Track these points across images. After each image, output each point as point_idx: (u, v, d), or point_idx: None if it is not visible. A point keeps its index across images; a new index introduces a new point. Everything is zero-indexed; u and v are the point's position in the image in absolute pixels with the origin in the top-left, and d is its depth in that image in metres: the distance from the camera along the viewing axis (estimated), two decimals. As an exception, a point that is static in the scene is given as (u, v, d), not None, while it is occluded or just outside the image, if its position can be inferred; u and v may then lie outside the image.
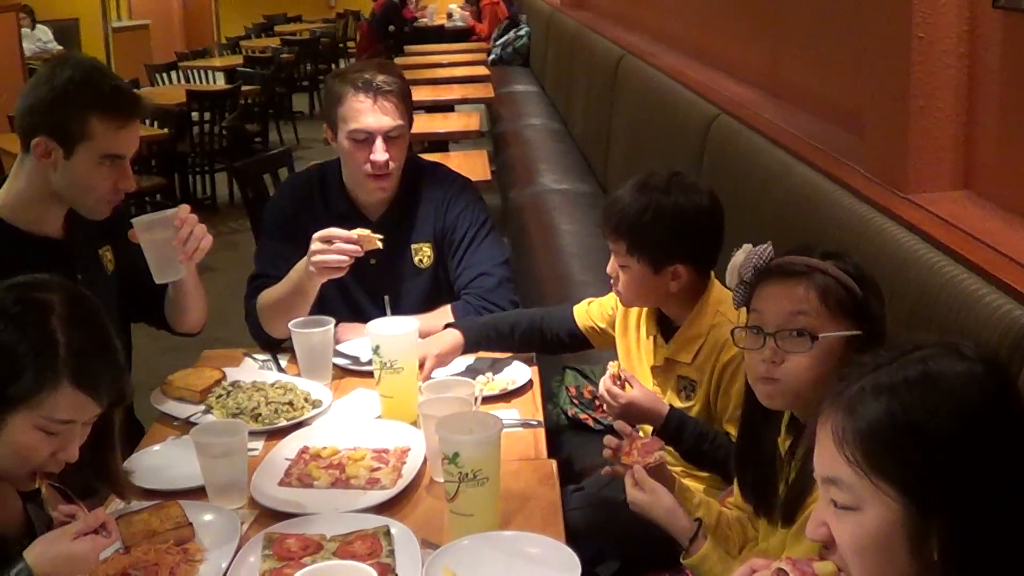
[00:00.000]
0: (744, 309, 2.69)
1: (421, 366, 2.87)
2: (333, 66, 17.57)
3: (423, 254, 3.38)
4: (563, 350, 3.20)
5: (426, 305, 3.22)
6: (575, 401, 3.55)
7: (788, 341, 2.03)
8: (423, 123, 7.27)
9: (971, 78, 2.83)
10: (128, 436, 3.09)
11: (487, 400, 2.81)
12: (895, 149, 2.95)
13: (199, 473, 2.43)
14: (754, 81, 4.85)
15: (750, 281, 2.15)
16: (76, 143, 2.73)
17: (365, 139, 3.20)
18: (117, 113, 2.75)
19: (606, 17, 9.17)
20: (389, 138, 3.21)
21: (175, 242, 2.80)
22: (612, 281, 2.85)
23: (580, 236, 5.60)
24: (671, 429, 2.64)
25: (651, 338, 2.89)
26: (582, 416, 3.51)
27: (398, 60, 11.33)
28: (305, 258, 3.01)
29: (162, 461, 2.59)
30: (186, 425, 2.76)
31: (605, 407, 2.72)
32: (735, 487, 2.41)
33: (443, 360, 2.97)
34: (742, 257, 2.18)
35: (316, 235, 2.97)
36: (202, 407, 2.84)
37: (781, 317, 2.05)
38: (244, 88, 10.22)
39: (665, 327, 2.86)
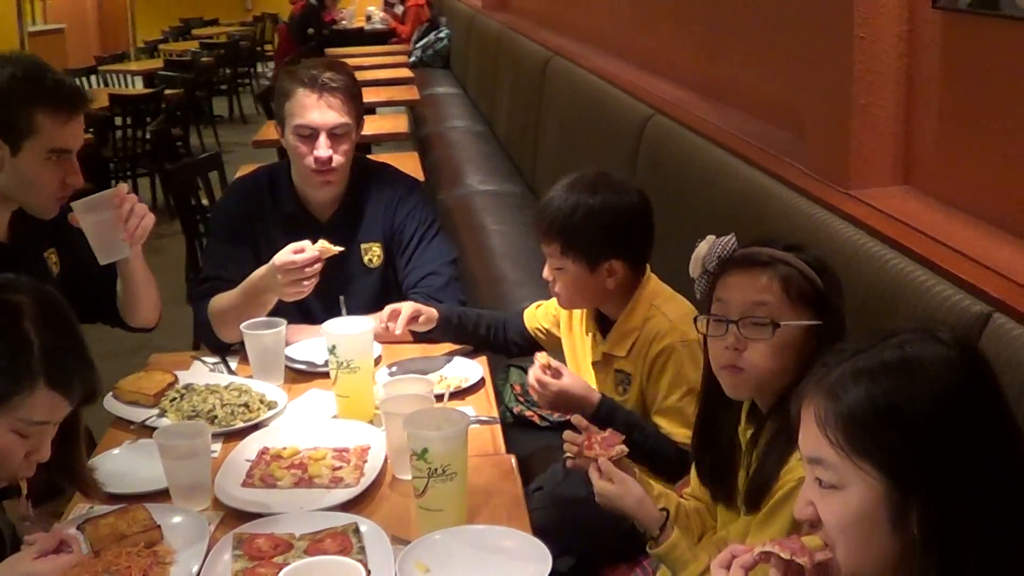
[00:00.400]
0: (679, 302, 2.76)
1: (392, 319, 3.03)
2: (251, 70, 17.51)
3: (373, 253, 3.40)
4: (518, 352, 3.25)
5: (376, 304, 3.23)
6: (520, 399, 3.58)
7: (750, 328, 2.08)
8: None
9: (910, 77, 2.91)
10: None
11: (440, 399, 2.83)
12: (837, 146, 3.02)
13: (161, 476, 2.42)
14: (687, 82, 4.91)
15: (714, 271, 2.20)
16: (23, 140, 2.72)
17: (310, 135, 3.22)
18: (62, 107, 2.75)
19: (531, 19, 9.20)
20: (334, 135, 3.22)
21: (117, 221, 2.80)
22: (550, 285, 2.89)
23: (510, 236, 5.65)
24: (601, 417, 2.67)
25: (590, 335, 2.95)
26: (528, 413, 3.55)
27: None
28: (264, 269, 3.01)
29: (122, 465, 2.56)
30: (142, 429, 2.75)
31: (536, 397, 2.76)
32: (692, 476, 2.46)
33: (416, 317, 3.08)
34: (706, 247, 2.23)
35: (280, 263, 2.95)
36: (156, 411, 2.82)
37: (744, 305, 2.10)
38: (166, 92, 10.12)
39: (604, 324, 2.91)
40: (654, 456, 2.70)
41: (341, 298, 3.04)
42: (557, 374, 2.70)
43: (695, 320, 2.21)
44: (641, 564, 2.76)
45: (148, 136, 9.34)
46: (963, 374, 1.44)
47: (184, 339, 4.95)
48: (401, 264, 3.40)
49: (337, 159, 3.22)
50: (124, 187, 2.84)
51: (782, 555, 1.49)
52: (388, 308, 3.06)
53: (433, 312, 3.10)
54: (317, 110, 3.20)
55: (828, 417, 1.46)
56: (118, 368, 3.05)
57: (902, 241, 2.51)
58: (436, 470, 2.16)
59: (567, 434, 2.33)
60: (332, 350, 2.74)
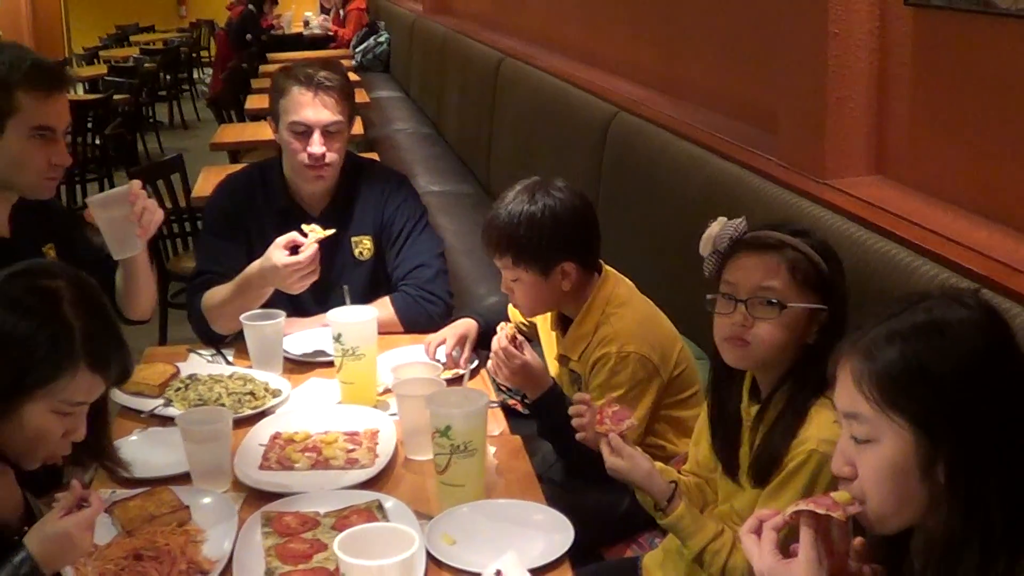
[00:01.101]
0: (631, 309, 2.84)
1: (439, 344, 3.09)
2: (190, 75, 17.44)
3: (363, 247, 3.48)
4: None
5: (367, 297, 3.31)
6: (503, 388, 3.67)
7: (758, 308, 2.19)
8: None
9: (882, 71, 3.05)
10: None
11: (461, 380, 2.92)
12: (812, 138, 3.15)
13: (178, 461, 2.51)
14: (647, 82, 5.02)
15: (724, 251, 2.31)
16: (5, 119, 2.78)
17: (304, 132, 3.29)
18: (41, 84, 2.80)
19: (478, 22, 9.28)
20: (327, 132, 3.30)
21: (131, 217, 2.85)
22: (510, 297, 2.99)
23: (467, 235, 5.68)
24: (548, 401, 2.79)
25: (555, 332, 3.05)
26: (511, 402, 3.62)
27: (263, 68, 11.30)
28: (259, 266, 3.09)
29: (139, 451, 2.62)
30: (151, 418, 2.82)
31: (494, 365, 2.81)
32: (690, 453, 2.57)
33: (465, 340, 3.13)
34: (718, 228, 2.33)
35: (283, 264, 3.03)
36: (161, 400, 2.88)
37: (753, 287, 2.21)
38: (116, 97, 10.12)
39: (565, 323, 3.00)
40: (582, 452, 2.67)
41: (345, 287, 3.12)
42: (521, 348, 2.78)
43: (706, 298, 2.31)
44: (637, 541, 2.87)
45: (98, 141, 9.33)
46: (987, 334, 1.57)
47: (150, 338, 5.01)
48: (391, 256, 3.48)
49: (330, 156, 3.30)
50: (137, 184, 2.89)
51: (817, 511, 1.61)
52: (434, 342, 3.12)
53: (472, 325, 3.18)
54: (312, 108, 3.28)
55: (864, 375, 1.58)
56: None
57: (884, 225, 2.65)
58: (458, 446, 2.26)
59: (573, 409, 2.42)
60: (338, 338, 2.82)
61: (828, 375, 1.67)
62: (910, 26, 2.93)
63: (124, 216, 2.84)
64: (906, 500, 1.57)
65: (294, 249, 3.06)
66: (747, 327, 2.20)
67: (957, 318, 1.57)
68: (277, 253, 3.04)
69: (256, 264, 3.12)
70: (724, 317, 2.24)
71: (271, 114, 3.42)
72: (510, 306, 3.21)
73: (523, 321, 3.23)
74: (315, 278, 3.09)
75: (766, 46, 3.65)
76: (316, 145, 3.28)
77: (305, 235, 3.07)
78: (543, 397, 2.79)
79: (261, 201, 3.38)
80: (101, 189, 9.57)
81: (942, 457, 1.53)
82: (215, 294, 3.25)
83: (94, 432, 2.21)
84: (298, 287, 3.08)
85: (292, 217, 3.33)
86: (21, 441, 2.06)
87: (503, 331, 2.79)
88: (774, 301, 2.18)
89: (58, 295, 2.06)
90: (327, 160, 3.29)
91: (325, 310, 3.04)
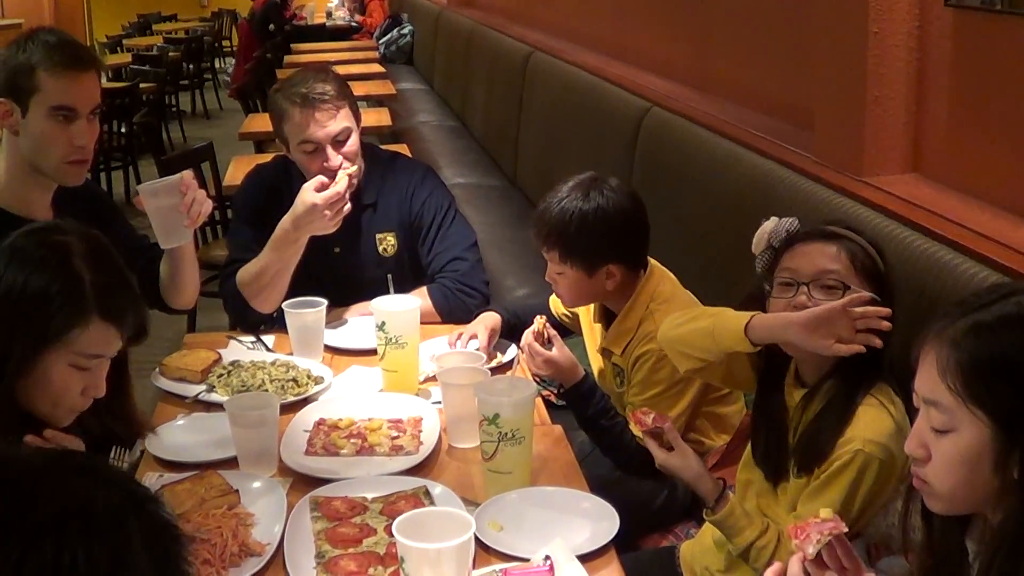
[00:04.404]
0: (677, 304, 2.87)
1: (471, 338, 3.12)
2: (212, 65, 17.51)
3: (387, 243, 3.51)
4: None
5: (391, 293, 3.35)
6: (536, 379, 3.70)
7: (820, 291, 2.23)
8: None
9: (921, 70, 3.07)
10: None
11: (509, 366, 3.02)
12: (850, 136, 3.17)
13: (224, 446, 2.55)
14: (680, 77, 5.04)
15: (779, 247, 2.34)
16: (28, 98, 2.83)
17: (315, 149, 3.32)
18: (62, 64, 2.83)
19: (505, 16, 9.31)
20: (338, 141, 3.33)
21: (181, 207, 2.88)
22: (553, 287, 3.04)
23: (494, 227, 5.73)
24: (580, 392, 2.84)
25: (599, 325, 3.09)
26: (544, 393, 3.67)
27: (288, 59, 11.34)
28: (290, 213, 3.18)
29: (183, 436, 2.67)
30: (194, 404, 2.86)
31: (526, 359, 2.87)
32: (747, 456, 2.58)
33: (495, 334, 3.18)
34: (771, 225, 2.38)
35: (324, 199, 3.14)
36: (204, 386, 2.93)
37: (816, 271, 2.25)
38: (142, 86, 10.17)
39: (609, 317, 3.04)
40: (615, 444, 2.86)
41: (389, 276, 3.17)
42: (550, 343, 2.82)
43: (763, 285, 2.34)
44: (674, 531, 2.91)
45: (123, 129, 9.38)
46: None
47: (178, 325, 5.04)
48: (424, 251, 3.51)
49: (347, 163, 3.32)
50: (189, 174, 2.92)
51: (833, 534, 1.67)
52: (466, 335, 3.15)
53: (498, 319, 3.22)
54: (315, 125, 3.29)
55: (949, 365, 1.59)
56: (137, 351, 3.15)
57: (923, 223, 2.67)
58: (506, 434, 2.30)
59: (633, 414, 2.46)
60: (381, 326, 2.86)
61: (911, 360, 1.69)
62: (949, 26, 2.95)
63: (173, 205, 2.86)
64: (975, 488, 1.60)
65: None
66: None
67: None
68: (309, 193, 3.14)
69: (286, 217, 3.19)
70: (782, 300, 2.28)
71: (278, 138, 3.46)
72: (553, 296, 3.25)
73: (565, 312, 3.27)
74: (347, 211, 3.18)
75: (803, 43, 3.68)
76: (333, 159, 3.30)
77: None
78: (573, 388, 2.84)
79: (287, 195, 3.40)
80: (126, 178, 9.66)
81: (1018, 452, 1.55)
82: (249, 268, 3.30)
83: (117, 397, 2.31)
84: (333, 224, 3.16)
85: None
86: (43, 398, 2.15)
87: (535, 325, 2.84)
88: (837, 284, 2.22)
89: (68, 248, 2.16)
90: (344, 167, 3.31)
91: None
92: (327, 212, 3.13)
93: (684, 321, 2.51)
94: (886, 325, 2.15)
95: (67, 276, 2.12)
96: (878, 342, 2.15)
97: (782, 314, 2.26)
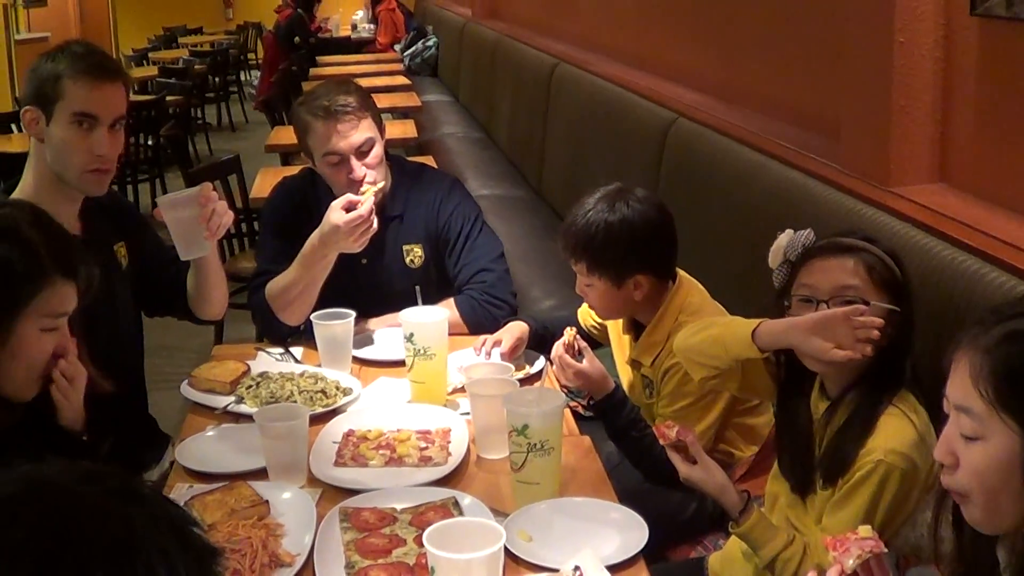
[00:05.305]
0: (707, 315, 2.87)
1: (494, 345, 3.12)
2: (238, 78, 17.60)
3: (414, 255, 3.53)
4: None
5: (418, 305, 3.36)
6: (564, 390, 3.71)
7: (840, 307, 2.22)
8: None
9: (947, 80, 3.07)
10: (148, 433, 3.22)
11: (539, 377, 2.97)
12: (876, 146, 3.17)
13: (253, 457, 2.56)
14: (706, 88, 5.03)
15: (795, 261, 2.34)
16: (52, 104, 2.87)
17: (339, 161, 3.34)
18: (85, 71, 2.86)
19: (527, 27, 9.32)
20: (360, 152, 3.34)
21: (200, 219, 2.91)
22: (585, 299, 3.06)
23: (520, 239, 5.73)
24: (611, 404, 2.84)
25: (628, 336, 3.10)
26: (572, 404, 3.67)
27: (313, 71, 11.40)
28: (317, 231, 3.18)
29: (213, 448, 2.69)
30: (224, 415, 2.88)
31: (556, 370, 2.87)
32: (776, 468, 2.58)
33: (521, 343, 3.19)
34: (786, 239, 2.38)
35: (347, 220, 3.12)
36: (233, 398, 2.94)
37: (834, 287, 2.25)
38: (168, 99, 10.24)
39: (638, 328, 3.05)
40: (645, 455, 2.85)
41: (417, 288, 3.18)
42: (581, 354, 2.83)
43: (782, 304, 2.35)
44: (702, 543, 2.91)
45: (150, 142, 9.44)
46: None
47: (206, 336, 5.08)
48: (451, 263, 3.52)
49: (371, 173, 3.34)
50: (209, 186, 2.95)
51: (873, 552, 1.67)
52: (490, 340, 3.16)
53: (525, 329, 3.23)
54: (338, 136, 3.31)
55: (982, 372, 1.59)
56: (161, 361, 3.16)
57: (950, 233, 2.67)
58: (535, 445, 2.31)
59: (657, 428, 2.46)
60: (410, 338, 2.87)
61: (943, 366, 1.69)
62: (975, 35, 2.95)
63: (192, 217, 2.89)
64: (1004, 498, 1.59)
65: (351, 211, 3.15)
66: None
67: None
68: (336, 213, 3.14)
69: (315, 233, 3.20)
70: None
71: (303, 151, 3.49)
72: (582, 307, 3.26)
73: (595, 323, 3.28)
74: (374, 231, 3.18)
75: (829, 53, 3.68)
76: (357, 170, 3.32)
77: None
78: (603, 400, 2.84)
79: (313, 205, 3.42)
80: (153, 190, 9.72)
81: None
82: (278, 281, 3.31)
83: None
84: (359, 244, 3.16)
85: None
86: (19, 367, 2.26)
87: (565, 337, 2.84)
88: (857, 299, 2.21)
89: (15, 220, 2.27)
90: (370, 179, 3.33)
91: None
92: (352, 233, 3.13)
93: (697, 331, 2.53)
94: (876, 335, 2.17)
95: (23, 245, 2.23)
96: (869, 351, 2.17)
97: (786, 319, 2.28)
